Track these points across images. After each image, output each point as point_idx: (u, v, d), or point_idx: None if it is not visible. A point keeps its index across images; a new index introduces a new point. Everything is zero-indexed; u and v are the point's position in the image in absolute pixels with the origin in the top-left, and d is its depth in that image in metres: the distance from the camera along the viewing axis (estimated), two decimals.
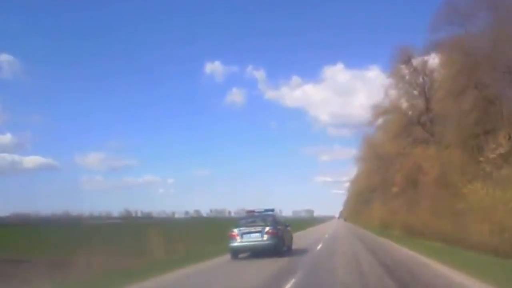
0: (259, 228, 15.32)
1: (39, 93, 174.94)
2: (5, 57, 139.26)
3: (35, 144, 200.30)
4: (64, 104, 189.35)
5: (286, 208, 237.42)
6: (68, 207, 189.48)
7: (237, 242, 15.25)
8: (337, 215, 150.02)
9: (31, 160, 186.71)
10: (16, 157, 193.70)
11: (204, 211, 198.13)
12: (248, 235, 15.26)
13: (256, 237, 15.13)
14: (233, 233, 15.39)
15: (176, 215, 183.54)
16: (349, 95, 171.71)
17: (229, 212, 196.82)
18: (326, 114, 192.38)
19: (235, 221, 17.50)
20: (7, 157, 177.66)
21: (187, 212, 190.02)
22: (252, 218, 16.56)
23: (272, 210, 17.70)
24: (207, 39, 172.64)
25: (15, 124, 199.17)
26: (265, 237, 15.06)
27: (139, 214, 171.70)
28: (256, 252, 15.45)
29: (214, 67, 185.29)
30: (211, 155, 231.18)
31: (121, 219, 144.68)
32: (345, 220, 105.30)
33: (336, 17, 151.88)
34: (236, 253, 15.48)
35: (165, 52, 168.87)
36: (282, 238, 15.94)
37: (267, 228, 15.21)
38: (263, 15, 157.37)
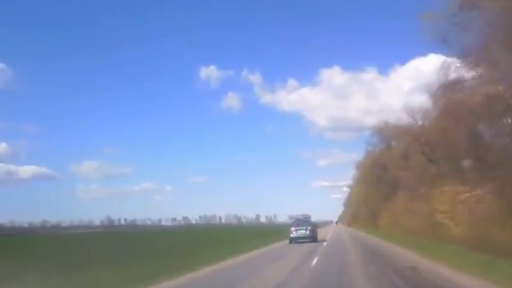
0: (304, 227, 27.71)
1: (34, 102, 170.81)
2: None
3: (30, 154, 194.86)
4: (60, 113, 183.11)
5: (281, 213, 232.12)
6: (56, 216, 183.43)
7: (293, 234, 27.31)
8: (336, 220, 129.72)
9: (26, 170, 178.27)
10: (12, 167, 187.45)
11: (193, 217, 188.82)
12: (299, 231, 27.39)
13: (303, 232, 27.32)
14: (292, 229, 27.66)
15: (163, 222, 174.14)
16: (346, 98, 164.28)
17: (220, 219, 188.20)
18: (323, 118, 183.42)
19: (290, 224, 29.70)
20: (2, 167, 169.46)
21: (174, 219, 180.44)
22: (299, 221, 28.82)
23: (309, 217, 31.72)
24: (202, 43, 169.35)
25: (10, 133, 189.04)
26: (308, 232, 27.35)
27: (122, 222, 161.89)
28: (301, 240, 26.81)
29: (209, 72, 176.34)
30: (206, 161, 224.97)
31: (103, 228, 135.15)
32: (349, 225, 77.71)
33: (330, 20, 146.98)
34: (292, 240, 27.06)
35: (159, 59, 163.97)
36: (315, 233, 28.35)
37: (308, 227, 27.78)
38: (257, 18, 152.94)
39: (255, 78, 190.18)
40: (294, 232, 27.07)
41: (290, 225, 29.19)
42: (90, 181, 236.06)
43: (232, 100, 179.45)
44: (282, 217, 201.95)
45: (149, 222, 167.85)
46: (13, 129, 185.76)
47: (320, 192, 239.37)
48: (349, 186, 79.00)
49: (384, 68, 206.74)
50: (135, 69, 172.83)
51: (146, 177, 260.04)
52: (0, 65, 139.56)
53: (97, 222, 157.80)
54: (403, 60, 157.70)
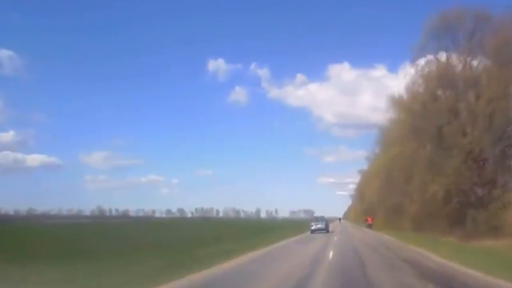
0: (320, 222, 40.13)
1: (42, 91, 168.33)
2: (7, 53, 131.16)
3: (38, 142, 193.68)
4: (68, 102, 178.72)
5: (283, 208, 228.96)
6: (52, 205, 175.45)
7: (313, 227, 38.97)
8: (341, 217, 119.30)
9: (34, 159, 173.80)
10: (19, 155, 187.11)
11: (188, 210, 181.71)
12: (317, 224, 39.26)
13: (320, 226, 38.92)
14: (312, 224, 40.19)
15: (157, 214, 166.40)
16: (354, 94, 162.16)
17: (217, 212, 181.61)
18: (330, 114, 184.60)
19: (311, 220, 44.71)
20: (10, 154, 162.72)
21: (169, 211, 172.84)
22: (317, 218, 42.83)
23: (323, 216, 45.85)
24: (210, 36, 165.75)
25: (18, 121, 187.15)
26: (323, 225, 39.12)
27: (113, 213, 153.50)
28: (318, 231, 37.90)
29: (218, 65, 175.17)
30: (211, 155, 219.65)
31: (93, 218, 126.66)
32: (369, 226, 48.59)
33: (341, 16, 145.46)
34: (313, 231, 38.27)
35: (168, 50, 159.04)
36: (328, 226, 41.41)
37: (324, 222, 40.07)
38: (266, 12, 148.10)
39: (263, 73, 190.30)
40: (314, 225, 38.80)
41: (312, 220, 42.07)
42: (97, 172, 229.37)
43: (239, 94, 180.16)
44: (283, 212, 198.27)
45: (141, 214, 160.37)
46: (22, 118, 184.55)
47: (325, 188, 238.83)
48: (361, 172, 65.25)
49: (393, 66, 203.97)
50: (144, 60, 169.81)
51: (151, 169, 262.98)
52: (9, 52, 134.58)
53: (87, 212, 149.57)
54: (413, 57, 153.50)
